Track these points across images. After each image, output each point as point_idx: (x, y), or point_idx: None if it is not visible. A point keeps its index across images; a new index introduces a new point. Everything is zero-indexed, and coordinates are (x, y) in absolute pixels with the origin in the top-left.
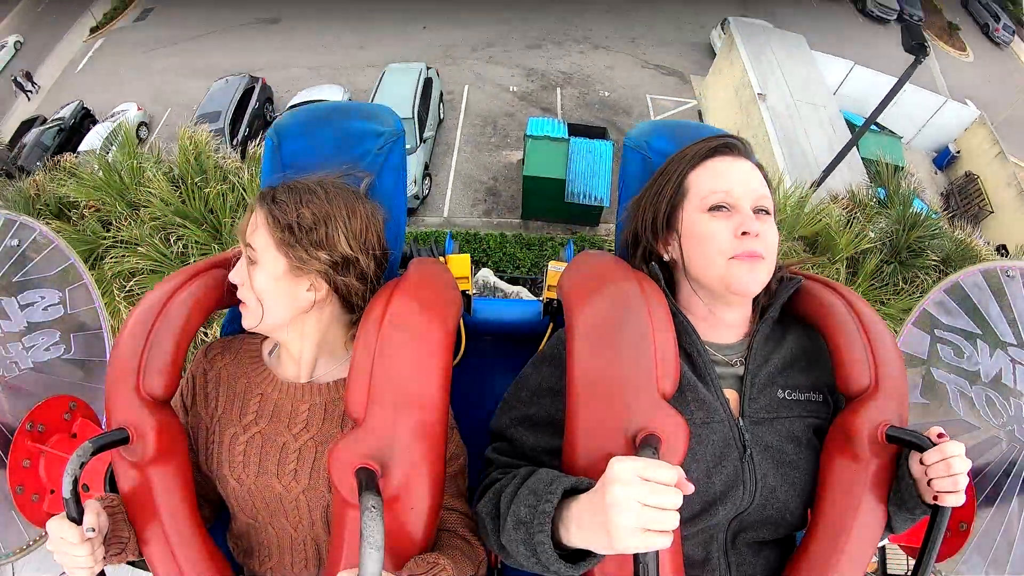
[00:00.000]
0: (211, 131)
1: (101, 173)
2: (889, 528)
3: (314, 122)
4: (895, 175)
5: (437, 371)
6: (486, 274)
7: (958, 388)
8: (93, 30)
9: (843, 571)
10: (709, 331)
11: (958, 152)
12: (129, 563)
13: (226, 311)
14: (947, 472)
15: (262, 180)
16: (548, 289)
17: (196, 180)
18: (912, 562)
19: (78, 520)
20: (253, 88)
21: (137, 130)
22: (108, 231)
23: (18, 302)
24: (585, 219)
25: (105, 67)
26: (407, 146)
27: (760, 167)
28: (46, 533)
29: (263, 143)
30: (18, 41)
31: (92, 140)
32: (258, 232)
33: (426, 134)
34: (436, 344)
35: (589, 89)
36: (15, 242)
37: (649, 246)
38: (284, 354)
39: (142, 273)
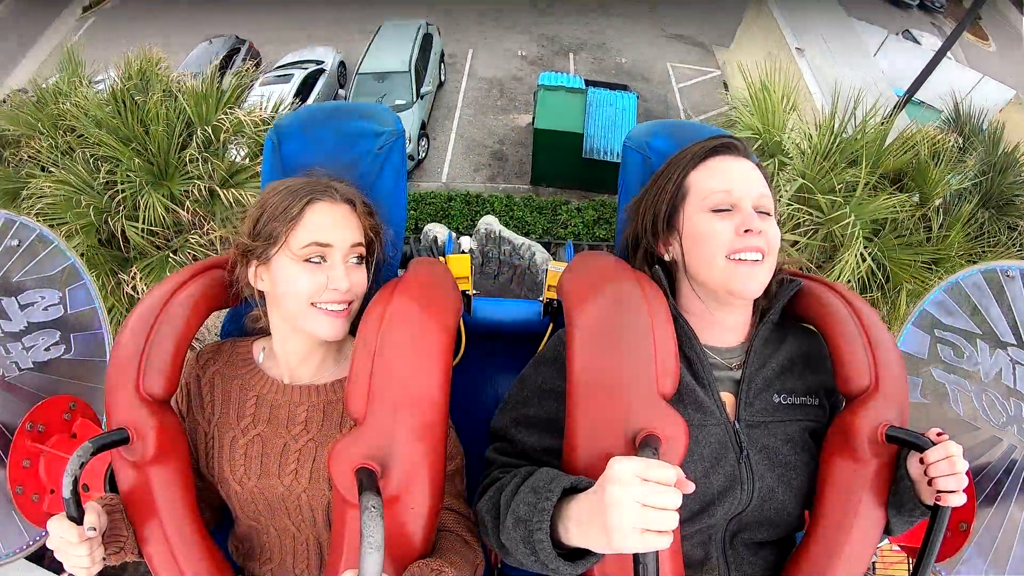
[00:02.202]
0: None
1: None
2: (887, 531)
3: (314, 122)
4: (977, 118)
5: (437, 371)
6: (490, 221)
7: (958, 388)
8: (85, 9)
9: (842, 571)
10: (709, 334)
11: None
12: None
13: (225, 311)
14: (950, 470)
15: (263, 181)
16: (548, 289)
17: (131, 89)
18: (912, 562)
19: (78, 520)
20: (238, 50)
21: None
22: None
23: (18, 302)
24: (603, 184)
25: (96, 41)
26: (402, 101)
27: (760, 166)
28: (47, 532)
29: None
30: None
31: None
32: (357, 230)
33: (424, 89)
34: (436, 344)
35: (605, 55)
36: (15, 242)
37: (650, 247)
38: (284, 356)
39: (58, 204)
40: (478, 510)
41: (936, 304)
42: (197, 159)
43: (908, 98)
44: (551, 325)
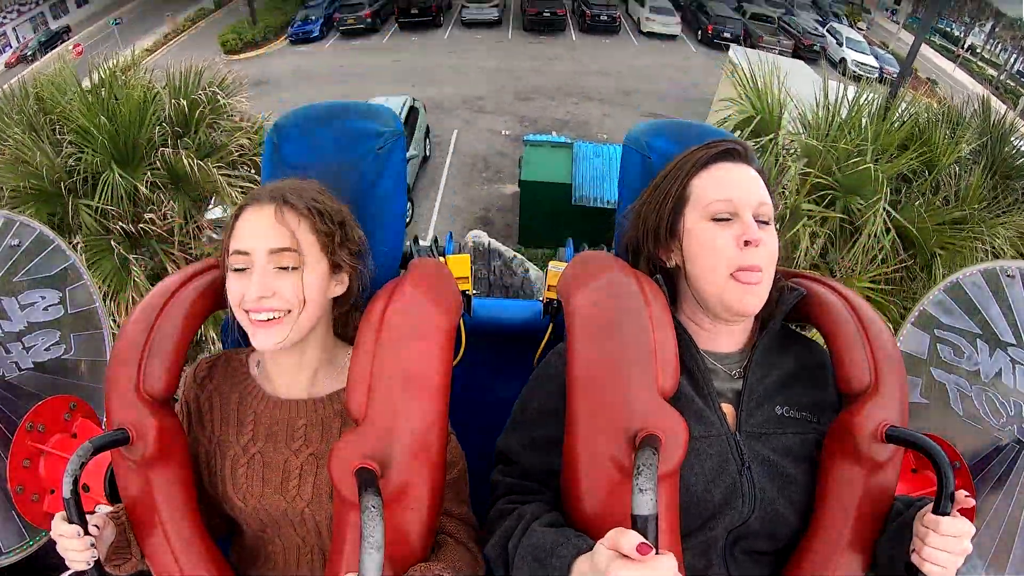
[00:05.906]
0: None
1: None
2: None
3: (314, 122)
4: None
5: (437, 371)
6: (478, 234)
7: (958, 388)
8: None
9: (843, 570)
10: (709, 340)
11: None
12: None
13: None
14: (957, 548)
15: (263, 182)
16: (548, 289)
17: (112, 75)
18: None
19: (76, 521)
20: None
21: None
22: None
23: (18, 302)
24: (596, 238)
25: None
26: None
27: (761, 172)
28: (47, 533)
29: None
30: None
31: None
32: (300, 232)
33: (409, 153)
34: (436, 344)
35: (586, 133)
36: (15, 242)
37: (650, 253)
38: (275, 370)
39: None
40: (487, 554)
41: (936, 304)
42: (167, 134)
43: (903, 74)
44: (551, 325)
